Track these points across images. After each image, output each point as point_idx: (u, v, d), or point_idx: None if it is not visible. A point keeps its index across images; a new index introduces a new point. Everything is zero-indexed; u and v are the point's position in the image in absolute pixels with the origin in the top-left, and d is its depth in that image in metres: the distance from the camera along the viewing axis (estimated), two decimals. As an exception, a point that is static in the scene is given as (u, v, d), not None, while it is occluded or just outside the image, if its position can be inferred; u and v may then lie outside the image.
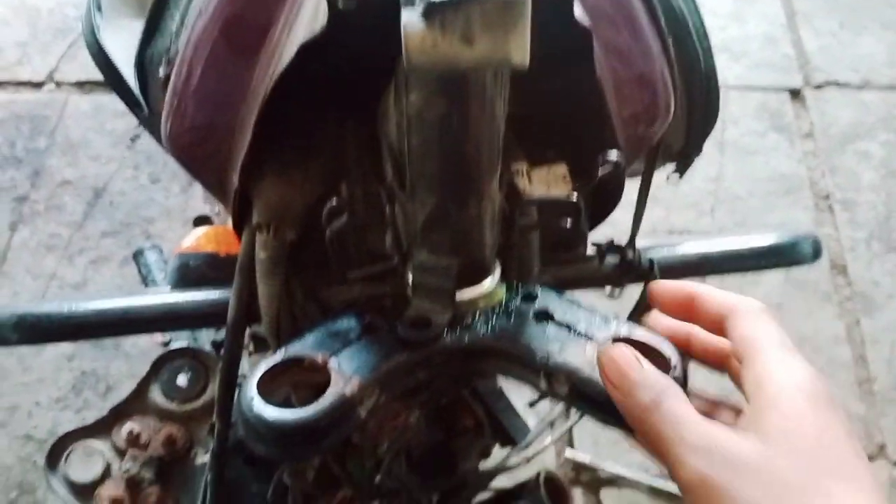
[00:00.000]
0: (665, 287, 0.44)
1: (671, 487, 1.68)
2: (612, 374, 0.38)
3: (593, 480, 1.69)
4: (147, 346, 1.56)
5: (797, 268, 0.66)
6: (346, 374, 0.38)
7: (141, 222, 1.76)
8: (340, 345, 0.40)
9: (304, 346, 0.40)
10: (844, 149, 2.07)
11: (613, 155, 0.44)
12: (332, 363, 0.39)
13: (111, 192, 1.78)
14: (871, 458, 1.68)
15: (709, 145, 0.63)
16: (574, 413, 0.72)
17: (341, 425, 0.38)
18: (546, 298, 0.44)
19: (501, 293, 0.45)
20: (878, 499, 0.34)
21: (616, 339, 0.40)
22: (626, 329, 0.41)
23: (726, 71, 2.14)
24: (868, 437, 1.68)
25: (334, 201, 0.41)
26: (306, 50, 0.40)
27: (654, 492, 1.70)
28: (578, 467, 1.70)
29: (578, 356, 0.40)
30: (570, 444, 1.71)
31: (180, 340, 0.85)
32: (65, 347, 1.62)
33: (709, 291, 0.42)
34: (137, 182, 1.80)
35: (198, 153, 0.49)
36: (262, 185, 0.48)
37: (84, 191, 1.78)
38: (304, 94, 0.47)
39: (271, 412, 0.37)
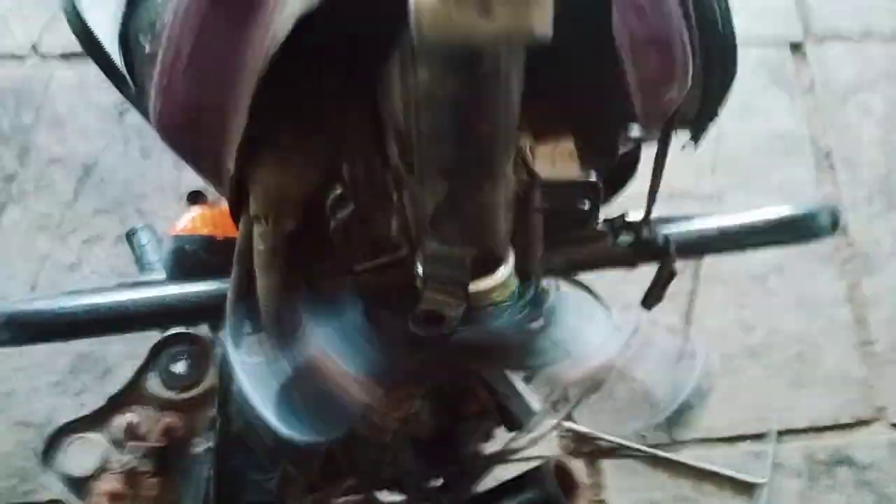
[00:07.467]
0: None
1: (670, 456, 1.68)
2: None
3: (594, 451, 1.69)
4: (144, 326, 1.53)
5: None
6: (361, 378, 0.36)
7: (133, 199, 1.72)
8: (349, 343, 0.38)
9: (314, 350, 0.37)
10: (846, 104, 2.03)
11: (635, 130, 0.41)
12: (346, 367, 0.36)
13: (101, 169, 1.74)
14: (870, 421, 1.68)
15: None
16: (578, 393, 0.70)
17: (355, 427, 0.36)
18: (557, 296, 0.42)
19: (514, 284, 0.43)
20: None
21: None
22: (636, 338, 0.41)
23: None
24: (867, 400, 1.67)
25: (339, 190, 0.38)
26: (303, 21, 0.37)
27: (654, 460, 1.70)
28: (579, 438, 1.69)
29: (569, 372, 0.40)
30: (570, 418, 1.71)
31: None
32: (60, 328, 1.59)
33: None
34: (128, 157, 1.75)
35: (190, 136, 0.46)
36: (258, 172, 0.45)
37: (74, 168, 1.73)
38: (300, 70, 0.43)
39: (298, 434, 0.35)
